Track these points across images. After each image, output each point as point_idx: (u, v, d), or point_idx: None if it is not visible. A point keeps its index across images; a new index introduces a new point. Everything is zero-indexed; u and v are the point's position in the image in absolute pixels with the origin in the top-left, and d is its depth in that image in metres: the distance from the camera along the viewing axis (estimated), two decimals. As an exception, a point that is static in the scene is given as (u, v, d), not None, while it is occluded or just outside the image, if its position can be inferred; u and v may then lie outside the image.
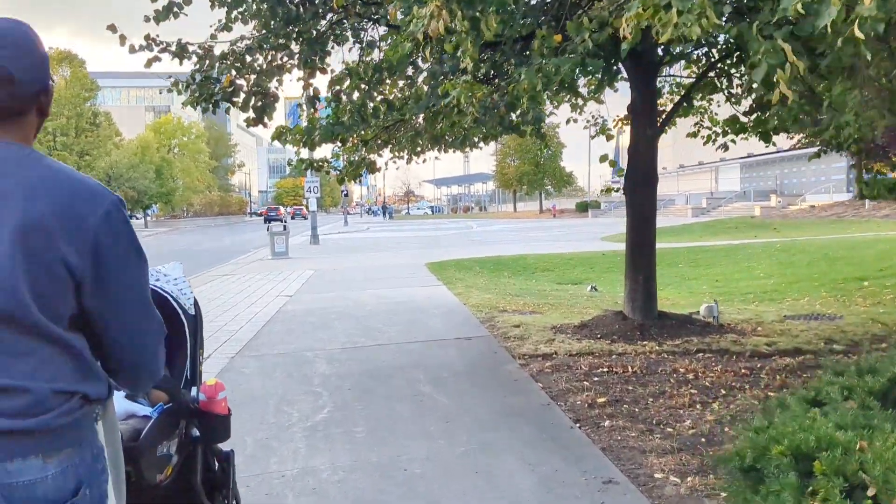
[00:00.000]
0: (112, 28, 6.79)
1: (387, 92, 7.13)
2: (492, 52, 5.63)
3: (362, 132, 7.44)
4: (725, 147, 10.26)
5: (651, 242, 8.82)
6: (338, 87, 6.83)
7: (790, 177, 65.23)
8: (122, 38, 6.78)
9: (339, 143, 7.89)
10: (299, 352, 8.52)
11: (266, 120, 6.98)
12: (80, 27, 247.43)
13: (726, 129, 9.69)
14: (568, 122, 10.51)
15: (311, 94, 7.06)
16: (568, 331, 9.01)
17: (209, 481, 2.75)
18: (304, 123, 7.17)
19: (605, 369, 7.09)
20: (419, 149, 8.38)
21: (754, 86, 8.76)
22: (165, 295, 2.63)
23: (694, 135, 10.40)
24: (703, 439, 5.05)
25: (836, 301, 11.17)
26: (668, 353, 7.74)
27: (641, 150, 8.54)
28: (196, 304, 2.74)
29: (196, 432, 2.66)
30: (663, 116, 8.83)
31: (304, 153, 9.05)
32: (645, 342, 8.20)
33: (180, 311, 2.64)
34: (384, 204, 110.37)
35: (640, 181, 8.68)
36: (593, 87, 8.93)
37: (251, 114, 6.92)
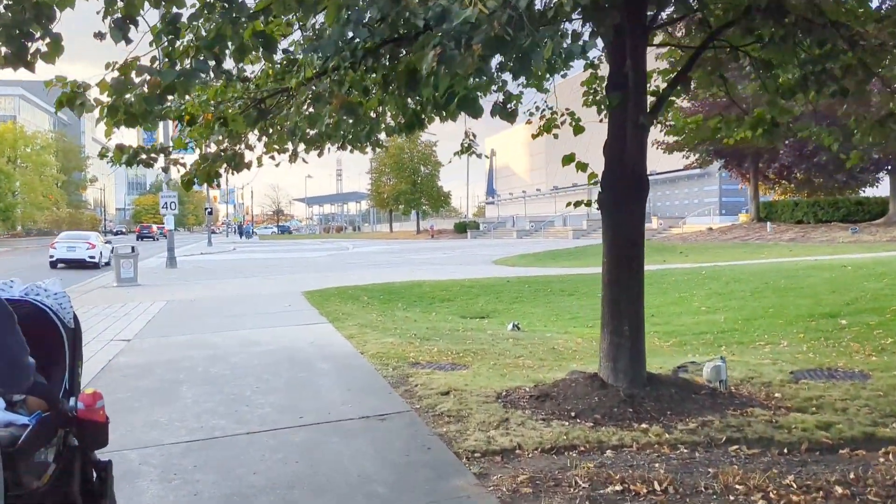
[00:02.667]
0: None
1: (265, 27, 4.23)
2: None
3: (220, 104, 4.58)
4: (707, 161, 7.91)
5: (639, 277, 6.29)
6: (175, 9, 3.88)
7: (663, 199, 66.06)
8: None
9: (181, 122, 4.98)
10: (119, 451, 5.40)
11: (37, 61, 3.91)
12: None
13: (718, 126, 7.28)
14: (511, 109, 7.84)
15: (122, 9, 3.91)
16: (523, 403, 6.34)
17: (87, 492, 2.74)
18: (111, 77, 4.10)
19: (618, 486, 4.44)
20: (322, 131, 5.43)
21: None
22: (45, 308, 2.80)
23: (677, 131, 7.94)
24: None
25: (826, 346, 9.04)
26: (689, 447, 5.21)
27: (629, 146, 6.01)
28: (76, 317, 2.89)
29: (74, 441, 2.68)
30: (654, 101, 6.32)
31: (129, 136, 5.86)
32: (644, 425, 5.64)
33: (59, 324, 2.78)
34: (240, 224, 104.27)
35: (626, 190, 6.14)
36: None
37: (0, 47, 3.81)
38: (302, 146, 6.36)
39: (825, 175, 30.20)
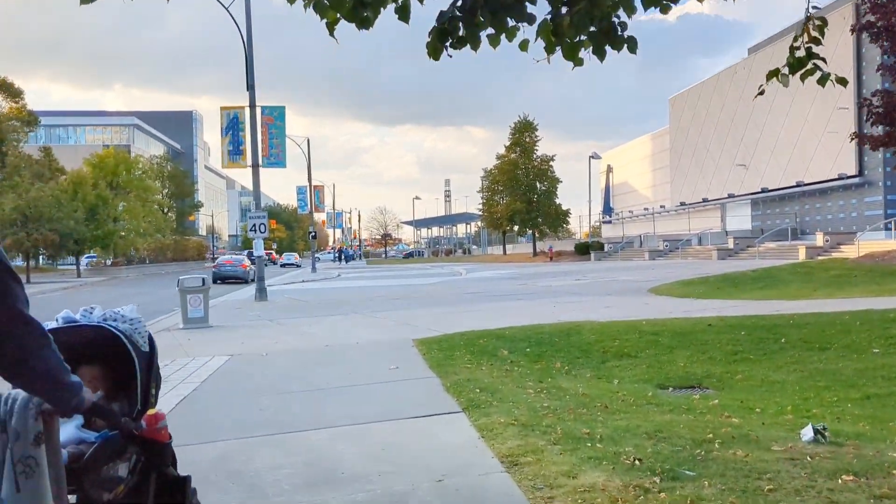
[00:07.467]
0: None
1: None
2: None
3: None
4: None
5: None
6: None
7: (812, 213, 57.95)
8: None
9: None
10: None
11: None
12: (58, 72, 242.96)
13: None
14: None
15: None
16: None
17: None
18: None
19: None
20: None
21: None
22: (118, 333, 2.83)
23: None
24: None
25: None
26: None
27: None
28: (151, 339, 2.94)
29: None
30: None
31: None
32: None
33: (130, 348, 2.82)
34: (341, 247, 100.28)
35: None
36: None
37: None
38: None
39: None
